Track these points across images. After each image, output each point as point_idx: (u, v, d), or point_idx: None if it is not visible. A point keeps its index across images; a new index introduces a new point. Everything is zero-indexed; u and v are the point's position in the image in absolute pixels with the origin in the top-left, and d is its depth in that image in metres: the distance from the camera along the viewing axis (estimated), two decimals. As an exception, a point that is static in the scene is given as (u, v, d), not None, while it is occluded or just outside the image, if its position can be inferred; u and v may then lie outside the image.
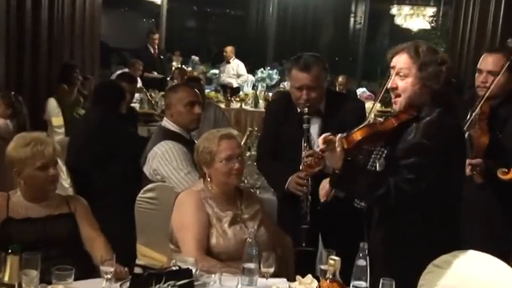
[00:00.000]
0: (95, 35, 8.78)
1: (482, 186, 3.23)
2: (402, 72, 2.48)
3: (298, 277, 2.43)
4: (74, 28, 8.02)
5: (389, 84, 2.52)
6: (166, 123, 3.62)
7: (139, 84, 8.57)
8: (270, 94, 8.75)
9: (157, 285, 1.98)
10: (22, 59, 6.51)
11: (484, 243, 2.81)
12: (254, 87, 10.46)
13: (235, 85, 10.42)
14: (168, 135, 3.54)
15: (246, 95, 8.85)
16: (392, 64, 2.52)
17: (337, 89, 8.47)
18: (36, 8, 6.74)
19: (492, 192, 3.27)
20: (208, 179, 2.80)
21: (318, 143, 2.53)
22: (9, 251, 1.76)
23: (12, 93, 5.02)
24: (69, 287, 2.09)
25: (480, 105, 3.26)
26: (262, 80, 10.39)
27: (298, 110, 3.29)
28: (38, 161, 2.66)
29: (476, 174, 3.17)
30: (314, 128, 3.29)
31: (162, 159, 3.44)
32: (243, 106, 8.56)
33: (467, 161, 3.01)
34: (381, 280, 2.18)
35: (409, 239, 2.48)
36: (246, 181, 3.86)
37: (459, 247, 2.51)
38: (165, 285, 1.98)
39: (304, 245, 3.13)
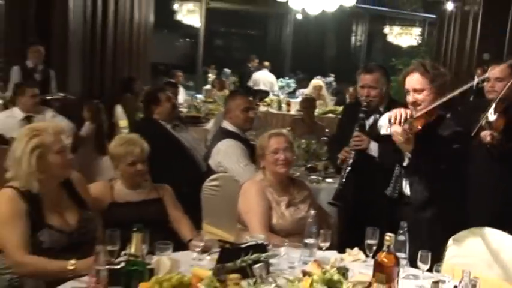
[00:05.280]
0: (148, 53, 8.88)
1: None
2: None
3: (347, 250, 2.45)
4: (132, 48, 8.11)
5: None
6: (226, 124, 3.65)
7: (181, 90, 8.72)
8: (291, 100, 8.73)
9: (246, 257, 1.98)
10: (92, 74, 6.68)
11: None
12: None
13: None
14: (228, 134, 3.58)
15: (271, 100, 8.83)
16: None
17: (348, 99, 8.47)
18: (103, 34, 6.90)
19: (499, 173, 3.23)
20: (265, 170, 2.84)
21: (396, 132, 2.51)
22: (135, 229, 1.79)
23: (95, 101, 5.07)
24: (170, 258, 2.10)
25: (495, 105, 3.21)
26: (282, 87, 10.38)
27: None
28: (129, 159, 2.69)
29: (493, 144, 3.11)
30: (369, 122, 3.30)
31: (225, 154, 3.47)
32: (269, 109, 8.56)
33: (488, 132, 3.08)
34: (420, 252, 2.20)
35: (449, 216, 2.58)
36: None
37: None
38: (253, 256, 1.99)
39: (333, 200, 3.09)
